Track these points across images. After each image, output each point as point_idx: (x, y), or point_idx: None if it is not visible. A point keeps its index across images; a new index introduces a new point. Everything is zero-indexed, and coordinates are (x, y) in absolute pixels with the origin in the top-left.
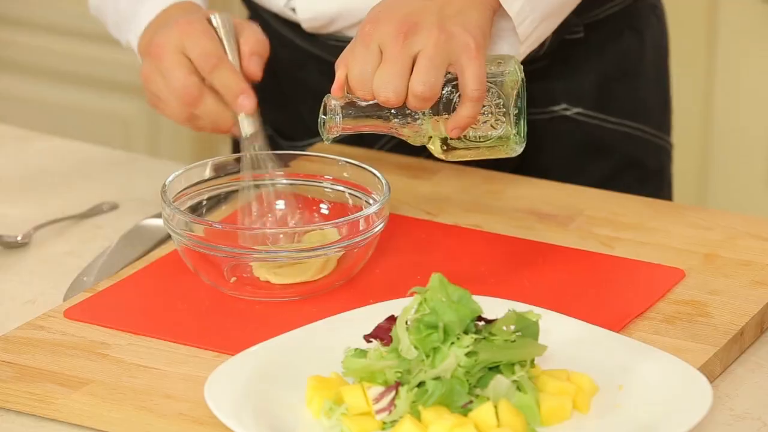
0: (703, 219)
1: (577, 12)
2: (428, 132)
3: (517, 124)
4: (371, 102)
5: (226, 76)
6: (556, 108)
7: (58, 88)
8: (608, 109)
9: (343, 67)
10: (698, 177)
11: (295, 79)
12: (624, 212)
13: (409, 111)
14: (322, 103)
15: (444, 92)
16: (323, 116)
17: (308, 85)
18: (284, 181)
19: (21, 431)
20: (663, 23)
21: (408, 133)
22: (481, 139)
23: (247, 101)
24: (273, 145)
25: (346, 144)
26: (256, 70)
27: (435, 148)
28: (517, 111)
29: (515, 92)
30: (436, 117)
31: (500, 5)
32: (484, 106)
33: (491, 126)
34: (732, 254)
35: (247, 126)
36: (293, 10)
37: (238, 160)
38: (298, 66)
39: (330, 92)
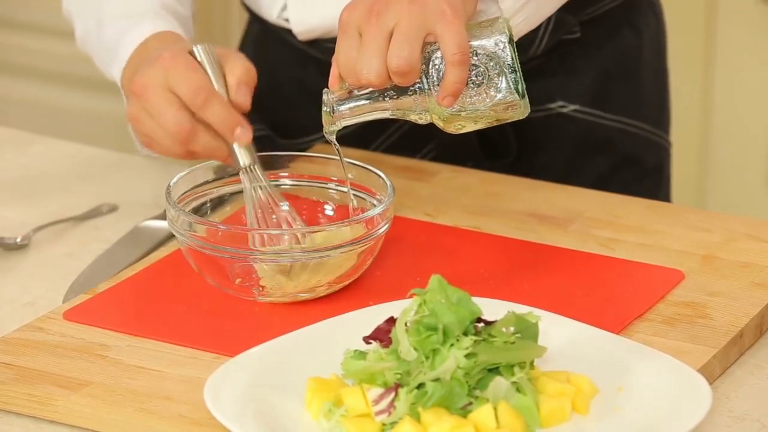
0: (702, 221)
1: (572, 11)
2: (426, 108)
3: (515, 83)
4: (367, 90)
5: (219, 109)
6: (553, 105)
7: (58, 91)
8: (606, 106)
9: (335, 59)
10: (697, 179)
11: (293, 78)
12: (623, 214)
13: (401, 90)
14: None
15: (432, 64)
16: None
17: (307, 85)
18: (288, 183)
19: None
20: (661, 20)
21: (408, 113)
22: (482, 106)
23: (244, 133)
24: (272, 144)
25: (345, 146)
26: (245, 100)
27: (438, 122)
28: (512, 71)
29: (507, 53)
30: (429, 90)
31: None
32: (476, 68)
33: (488, 90)
34: (731, 256)
35: (244, 157)
36: (287, 20)
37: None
38: (297, 66)
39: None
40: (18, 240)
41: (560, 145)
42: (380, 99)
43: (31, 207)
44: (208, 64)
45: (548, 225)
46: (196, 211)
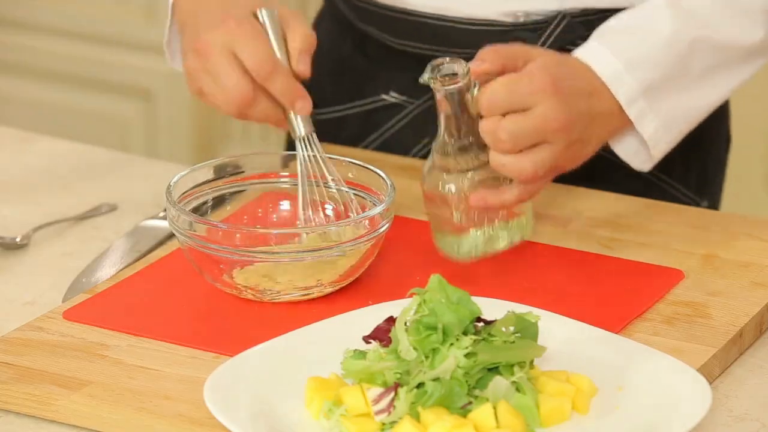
0: (702, 220)
1: (589, 27)
2: (452, 174)
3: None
4: (467, 112)
5: (282, 81)
6: None
7: (57, 90)
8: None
9: (496, 62)
10: None
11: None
12: (623, 213)
13: (474, 154)
14: (439, 61)
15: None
16: (432, 72)
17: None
18: (288, 183)
19: None
20: None
21: (442, 159)
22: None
23: (305, 104)
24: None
25: (345, 145)
26: (305, 69)
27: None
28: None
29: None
30: (483, 175)
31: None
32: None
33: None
34: (731, 255)
35: (302, 126)
36: None
37: (287, 159)
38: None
39: (446, 59)
40: (18, 239)
41: None
42: (460, 127)
43: (30, 206)
44: (271, 30)
45: (548, 224)
46: (197, 210)
